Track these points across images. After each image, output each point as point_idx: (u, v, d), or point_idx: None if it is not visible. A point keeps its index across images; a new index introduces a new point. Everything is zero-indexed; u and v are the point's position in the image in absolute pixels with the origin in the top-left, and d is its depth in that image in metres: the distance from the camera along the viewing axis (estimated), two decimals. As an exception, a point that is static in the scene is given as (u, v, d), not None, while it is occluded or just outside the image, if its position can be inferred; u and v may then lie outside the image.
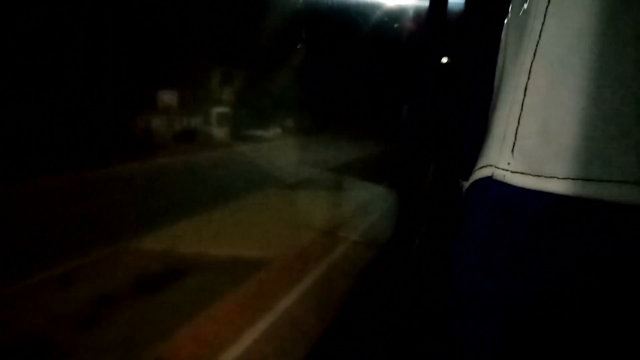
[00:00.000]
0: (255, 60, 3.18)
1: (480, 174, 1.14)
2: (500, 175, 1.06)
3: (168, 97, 3.04)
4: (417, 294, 1.30)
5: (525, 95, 1.05)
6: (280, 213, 3.06)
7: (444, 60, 2.12)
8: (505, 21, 1.28)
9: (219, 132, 3.47)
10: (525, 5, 1.13)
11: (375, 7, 3.84)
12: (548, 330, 1.00)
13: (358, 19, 3.68)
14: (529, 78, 1.05)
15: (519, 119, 1.05)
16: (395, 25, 3.83)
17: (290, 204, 3.11)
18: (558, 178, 0.94)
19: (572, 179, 0.92)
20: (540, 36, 1.05)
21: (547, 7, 1.04)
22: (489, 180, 1.09)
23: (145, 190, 2.11)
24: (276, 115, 3.43)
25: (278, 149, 3.66)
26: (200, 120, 3.43)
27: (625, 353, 0.95)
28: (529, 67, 1.05)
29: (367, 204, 3.63)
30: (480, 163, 1.16)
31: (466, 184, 1.23)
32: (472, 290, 1.12)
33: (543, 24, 1.05)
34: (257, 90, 3.34)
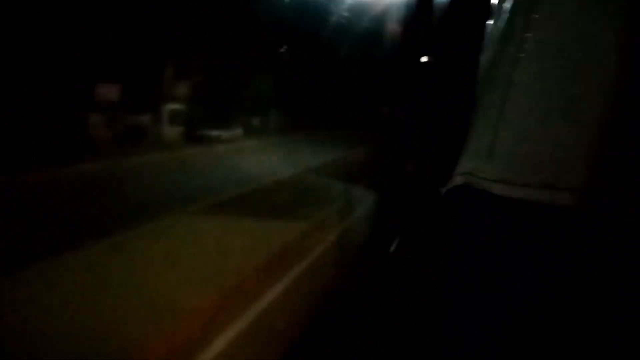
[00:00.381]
0: (219, 52, 2.85)
1: (458, 180, 1.15)
2: (478, 183, 1.08)
3: (109, 91, 2.63)
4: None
5: (504, 103, 1.07)
6: (170, 257, 1.87)
7: (425, 59, 2.06)
8: (489, 24, 1.29)
9: (171, 132, 3.13)
10: (508, 13, 1.15)
11: (355, 4, 3.62)
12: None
13: (335, 16, 3.47)
14: (509, 86, 1.07)
15: (497, 126, 1.07)
16: (374, 24, 3.63)
17: (196, 236, 2.13)
18: (532, 187, 0.97)
19: (546, 187, 0.95)
20: (521, 45, 1.08)
21: (529, 16, 1.07)
22: (468, 187, 1.11)
23: (35, 206, 1.53)
24: (241, 114, 3.09)
25: (236, 152, 3.29)
26: (150, 118, 3.06)
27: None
28: (509, 75, 1.07)
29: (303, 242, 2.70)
30: (459, 170, 1.17)
31: (445, 190, 1.22)
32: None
33: (525, 32, 1.07)
34: (220, 87, 3.01)
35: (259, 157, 3.33)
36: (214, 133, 3.26)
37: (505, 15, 1.15)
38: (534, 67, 1.04)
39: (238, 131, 3.32)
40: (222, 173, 3.03)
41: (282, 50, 3.03)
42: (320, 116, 3.33)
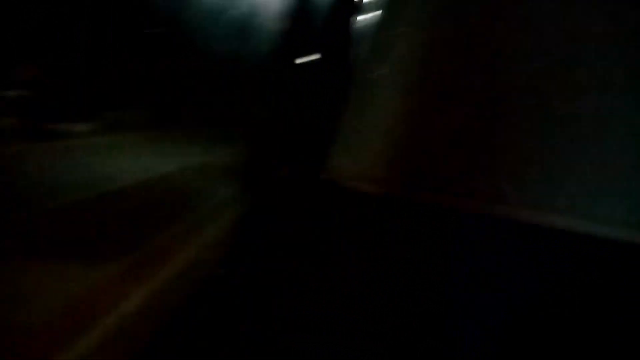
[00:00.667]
0: (73, 37, 2.43)
1: (326, 175, 1.22)
2: (339, 178, 1.17)
3: None
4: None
5: (362, 106, 1.16)
6: None
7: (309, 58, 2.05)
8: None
9: (6, 123, 2.61)
10: (376, 19, 1.25)
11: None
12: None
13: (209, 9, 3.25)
14: (366, 90, 1.16)
15: (354, 127, 1.17)
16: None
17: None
18: (379, 181, 1.09)
19: (391, 181, 1.08)
20: (378, 53, 1.18)
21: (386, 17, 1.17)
22: (333, 183, 1.19)
23: None
24: (102, 107, 2.67)
25: (85, 149, 2.87)
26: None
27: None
28: (367, 80, 1.17)
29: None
30: (326, 165, 1.24)
31: (316, 185, 1.29)
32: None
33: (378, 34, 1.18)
34: (74, 75, 2.56)
35: (108, 157, 2.94)
36: (63, 126, 2.82)
37: (373, 18, 1.29)
38: (386, 71, 1.13)
39: (92, 125, 2.92)
40: (54, 175, 2.53)
41: (150, 35, 2.76)
42: (193, 112, 3.11)
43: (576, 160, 1.09)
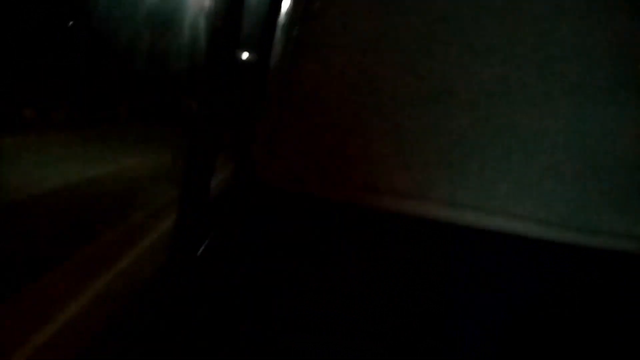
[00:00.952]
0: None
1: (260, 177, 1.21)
2: (269, 180, 1.16)
3: None
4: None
5: (282, 105, 1.14)
6: None
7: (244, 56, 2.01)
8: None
9: None
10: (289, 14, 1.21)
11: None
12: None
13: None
14: (287, 89, 1.13)
15: (277, 128, 1.15)
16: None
17: None
18: (310, 183, 1.10)
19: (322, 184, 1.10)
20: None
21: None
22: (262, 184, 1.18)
23: None
24: (12, 104, 2.60)
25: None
26: None
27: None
28: (288, 78, 1.13)
29: None
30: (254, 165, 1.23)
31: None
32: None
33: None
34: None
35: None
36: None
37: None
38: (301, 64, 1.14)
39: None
40: None
41: (70, 26, 2.70)
42: (125, 109, 3.08)
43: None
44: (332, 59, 1.10)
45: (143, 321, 1.26)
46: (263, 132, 1.17)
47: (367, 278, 1.19)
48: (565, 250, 1.11)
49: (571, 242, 1.11)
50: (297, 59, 1.11)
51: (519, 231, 1.11)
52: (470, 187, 1.11)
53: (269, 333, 1.18)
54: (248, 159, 1.22)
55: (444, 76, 1.10)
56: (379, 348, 1.18)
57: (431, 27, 1.11)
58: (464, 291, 1.17)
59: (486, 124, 1.10)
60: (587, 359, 1.15)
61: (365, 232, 1.16)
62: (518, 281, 1.15)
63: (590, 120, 1.11)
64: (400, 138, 1.11)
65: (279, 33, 1.23)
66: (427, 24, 1.12)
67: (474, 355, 1.15)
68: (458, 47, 1.10)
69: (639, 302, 1.15)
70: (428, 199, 1.11)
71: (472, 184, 1.11)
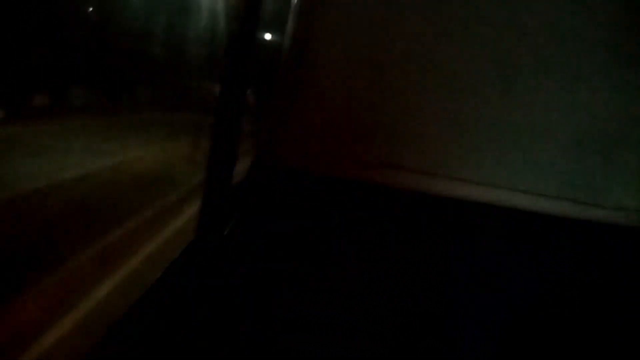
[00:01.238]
0: None
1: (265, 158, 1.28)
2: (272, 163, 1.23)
3: None
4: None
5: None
6: None
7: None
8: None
9: None
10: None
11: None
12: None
13: None
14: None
15: (277, 117, 1.21)
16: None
17: None
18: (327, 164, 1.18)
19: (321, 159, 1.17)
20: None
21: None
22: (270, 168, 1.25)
23: None
24: (27, 87, 2.62)
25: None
26: None
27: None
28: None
29: None
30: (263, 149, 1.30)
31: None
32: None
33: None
34: None
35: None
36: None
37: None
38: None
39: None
40: None
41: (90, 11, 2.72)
42: (151, 95, 3.09)
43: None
44: (347, 40, 1.15)
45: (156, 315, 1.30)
46: (280, 117, 1.21)
47: (381, 257, 1.25)
48: (559, 221, 1.17)
49: (566, 215, 1.17)
50: (310, 43, 1.15)
51: (522, 205, 1.17)
52: (478, 165, 1.16)
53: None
54: (269, 143, 1.26)
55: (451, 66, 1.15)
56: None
57: (440, 24, 1.15)
58: (469, 267, 1.21)
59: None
60: (581, 326, 1.19)
61: (377, 208, 1.21)
62: (521, 253, 1.20)
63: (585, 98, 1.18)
64: (410, 119, 1.17)
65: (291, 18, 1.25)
66: (428, 18, 1.14)
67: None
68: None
69: (627, 270, 1.21)
70: (437, 175, 1.16)
71: (480, 162, 1.16)
